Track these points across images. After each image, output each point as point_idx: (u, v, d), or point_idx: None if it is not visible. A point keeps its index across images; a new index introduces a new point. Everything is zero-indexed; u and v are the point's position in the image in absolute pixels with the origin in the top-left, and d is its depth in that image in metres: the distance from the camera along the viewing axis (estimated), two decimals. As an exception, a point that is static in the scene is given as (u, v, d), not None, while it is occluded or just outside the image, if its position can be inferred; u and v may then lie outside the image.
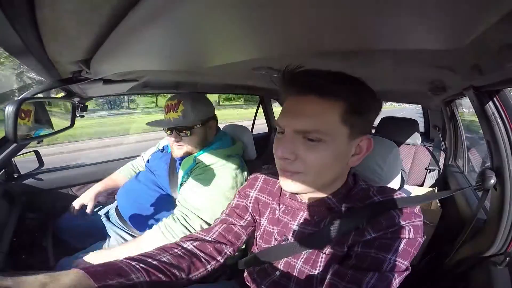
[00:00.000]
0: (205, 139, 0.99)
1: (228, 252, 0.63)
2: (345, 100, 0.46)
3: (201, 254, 0.60)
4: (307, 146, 0.47)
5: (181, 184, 0.96)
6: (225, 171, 0.92)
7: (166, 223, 0.85)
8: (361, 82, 0.50)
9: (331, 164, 0.49)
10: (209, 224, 0.84)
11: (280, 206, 0.62)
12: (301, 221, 0.58)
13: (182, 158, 0.99)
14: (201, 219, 0.86)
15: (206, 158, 0.95)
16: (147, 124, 0.97)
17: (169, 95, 1.01)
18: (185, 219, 0.86)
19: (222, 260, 0.62)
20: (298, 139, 0.48)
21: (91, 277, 0.41)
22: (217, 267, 0.62)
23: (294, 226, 0.58)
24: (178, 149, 0.98)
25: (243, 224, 0.66)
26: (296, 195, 0.59)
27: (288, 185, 0.52)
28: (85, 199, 1.14)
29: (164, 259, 0.55)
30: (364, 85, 0.50)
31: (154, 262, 0.52)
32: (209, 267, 0.60)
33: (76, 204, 1.12)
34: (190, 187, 0.91)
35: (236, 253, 0.68)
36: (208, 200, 0.87)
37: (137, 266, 0.49)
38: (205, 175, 0.91)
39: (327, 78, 0.47)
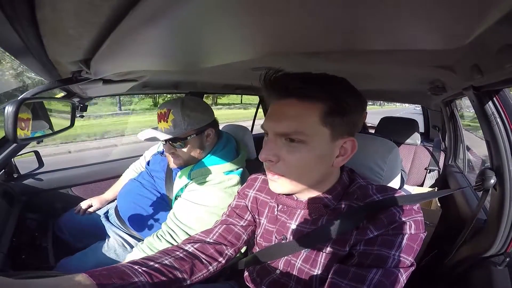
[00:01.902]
0: (202, 149, 0.91)
1: (229, 253, 0.63)
2: (324, 102, 0.47)
3: (202, 256, 0.60)
4: (289, 147, 0.49)
5: (176, 198, 0.93)
6: (221, 189, 0.86)
7: (150, 242, 0.81)
8: (343, 83, 0.51)
9: (314, 165, 0.50)
10: None
11: (278, 205, 0.62)
12: (298, 219, 0.58)
13: (179, 168, 0.94)
14: (190, 236, 0.80)
15: (202, 174, 0.88)
16: (139, 136, 0.90)
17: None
18: (171, 235, 0.81)
19: (223, 261, 0.62)
20: (280, 141, 0.50)
21: (95, 280, 0.42)
22: (219, 268, 0.62)
23: (292, 224, 0.59)
24: (174, 160, 0.92)
25: (243, 224, 0.67)
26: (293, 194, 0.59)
27: (274, 186, 0.54)
28: (95, 202, 1.18)
29: (166, 261, 0.55)
30: (346, 86, 0.50)
31: (156, 265, 0.53)
32: (211, 268, 0.60)
33: (84, 204, 1.17)
34: (183, 203, 0.87)
35: (237, 254, 0.67)
36: (198, 219, 0.83)
37: (140, 270, 0.50)
38: (199, 193, 0.86)
39: (305, 80, 0.48)
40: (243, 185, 0.73)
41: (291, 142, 0.49)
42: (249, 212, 0.68)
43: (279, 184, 0.53)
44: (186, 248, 0.61)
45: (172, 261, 0.55)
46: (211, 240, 0.63)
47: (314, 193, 0.56)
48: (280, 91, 0.49)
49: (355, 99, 0.50)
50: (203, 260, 0.60)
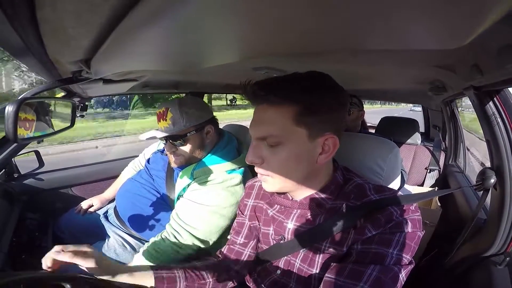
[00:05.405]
0: (203, 147, 0.92)
1: (236, 268, 0.67)
2: (295, 104, 0.48)
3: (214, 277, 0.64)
4: (270, 150, 0.52)
5: (178, 198, 0.93)
6: (223, 188, 0.86)
7: (154, 243, 0.81)
8: (318, 82, 0.51)
9: (295, 164, 0.52)
10: (201, 241, 0.84)
11: (274, 206, 0.63)
12: (295, 219, 0.59)
13: (181, 168, 0.94)
14: (194, 236, 0.82)
15: (204, 173, 0.89)
16: (140, 137, 0.91)
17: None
18: (175, 237, 0.82)
19: (233, 281, 0.66)
20: (262, 144, 0.53)
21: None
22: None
23: (289, 224, 0.59)
24: (176, 159, 0.92)
25: (241, 241, 0.69)
26: (287, 193, 0.60)
27: (265, 185, 0.57)
28: (95, 202, 1.18)
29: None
30: (321, 84, 0.51)
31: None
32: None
33: (85, 204, 1.17)
34: (185, 203, 0.87)
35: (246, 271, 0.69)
36: (202, 218, 0.83)
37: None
38: (201, 192, 0.86)
39: (275, 85, 0.50)
40: (242, 195, 0.74)
41: (270, 145, 0.51)
42: (246, 226, 0.69)
43: (269, 183, 0.55)
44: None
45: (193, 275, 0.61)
46: (218, 260, 0.68)
47: (307, 192, 0.57)
48: (253, 99, 0.52)
49: (330, 97, 0.50)
50: (215, 280, 0.64)
